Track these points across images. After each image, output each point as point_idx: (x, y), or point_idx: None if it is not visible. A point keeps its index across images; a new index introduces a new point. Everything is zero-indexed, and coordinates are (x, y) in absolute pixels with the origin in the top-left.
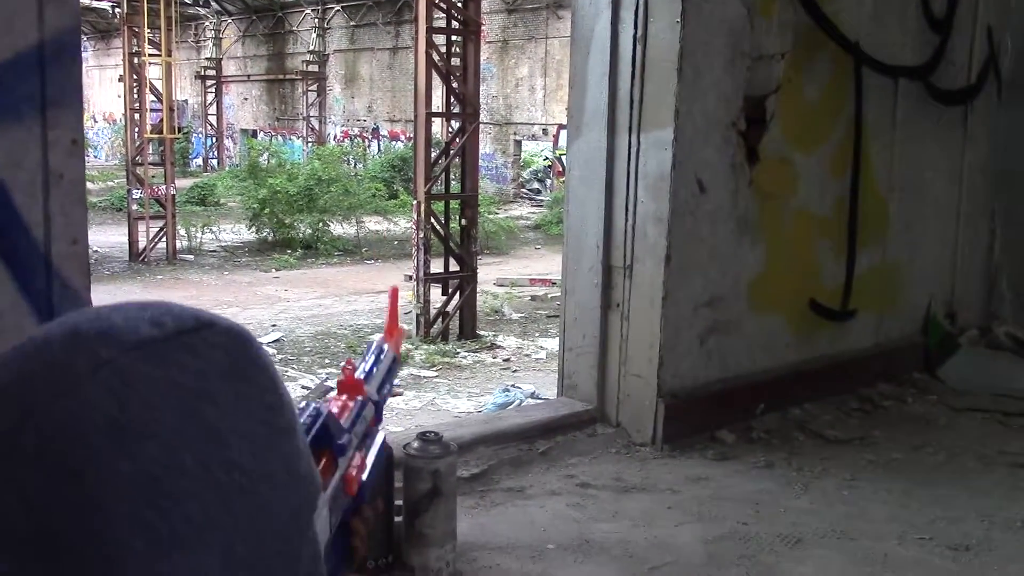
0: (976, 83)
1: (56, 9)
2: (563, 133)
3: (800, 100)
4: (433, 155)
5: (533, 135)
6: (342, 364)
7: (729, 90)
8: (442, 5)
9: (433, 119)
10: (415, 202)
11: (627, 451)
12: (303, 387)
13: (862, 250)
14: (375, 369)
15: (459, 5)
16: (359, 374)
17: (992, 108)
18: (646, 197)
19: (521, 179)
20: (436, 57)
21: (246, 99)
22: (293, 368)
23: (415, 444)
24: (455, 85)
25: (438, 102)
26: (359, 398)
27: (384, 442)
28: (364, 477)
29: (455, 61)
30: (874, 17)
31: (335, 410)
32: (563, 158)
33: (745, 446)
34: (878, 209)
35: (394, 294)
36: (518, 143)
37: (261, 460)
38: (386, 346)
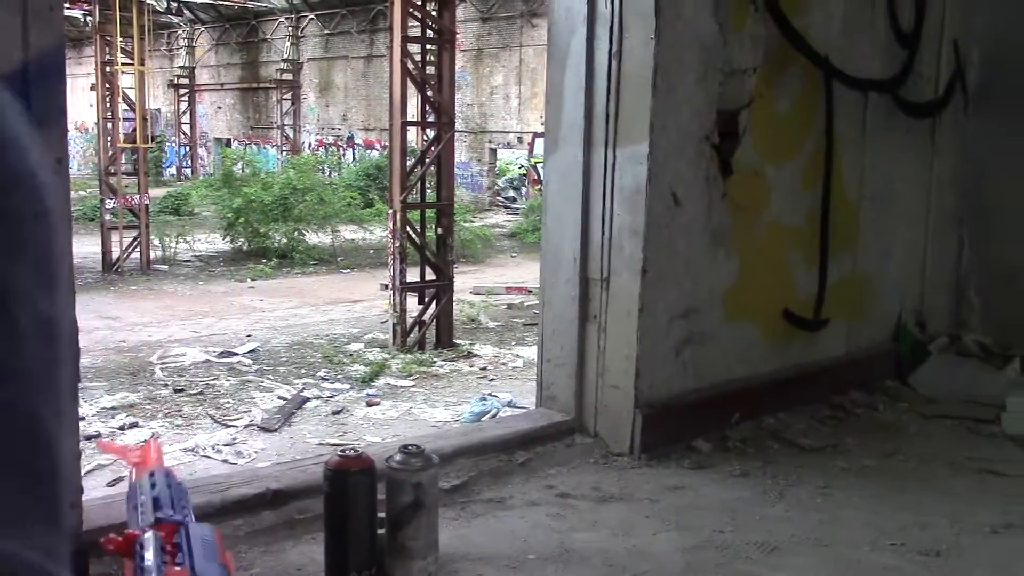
0: (944, 96)
1: (40, 30)
2: (538, 141)
3: (772, 113)
4: (409, 164)
5: (508, 143)
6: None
7: (702, 104)
8: (417, 14)
9: (408, 128)
10: (391, 211)
11: (605, 461)
12: (279, 397)
13: (834, 260)
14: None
15: (434, 14)
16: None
17: (959, 120)
18: (622, 210)
19: (496, 187)
20: (411, 66)
21: (219, 108)
22: (269, 379)
23: (397, 457)
24: (430, 94)
25: (413, 111)
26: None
27: (364, 455)
28: None
29: (430, 70)
30: (843, 32)
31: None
32: (538, 166)
33: (721, 455)
34: (849, 220)
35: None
36: (493, 151)
37: None
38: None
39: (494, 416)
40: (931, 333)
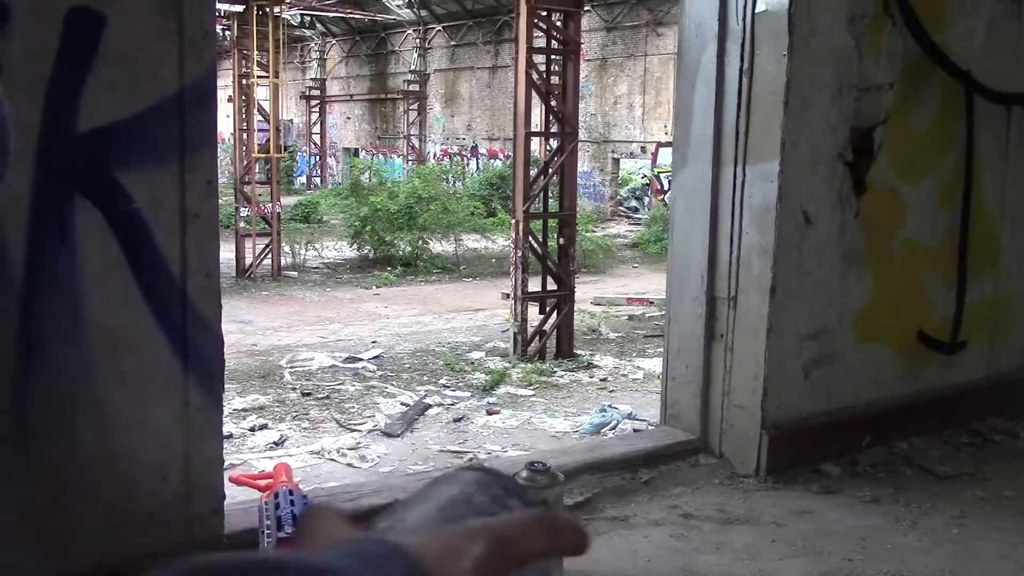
0: None
1: (195, 59)
2: (662, 151)
3: (908, 130)
4: (532, 174)
5: (631, 153)
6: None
7: (836, 121)
8: (542, 25)
9: (532, 138)
10: (513, 221)
11: (730, 482)
12: (402, 403)
13: (973, 281)
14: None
15: (559, 25)
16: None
17: None
18: (751, 229)
19: (619, 197)
20: (536, 77)
21: (348, 118)
22: (393, 385)
23: (523, 474)
24: (554, 104)
25: (537, 120)
26: None
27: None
28: None
29: (554, 79)
30: (986, 45)
31: None
32: (661, 176)
33: (850, 480)
34: (990, 239)
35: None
36: (616, 161)
37: None
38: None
39: (614, 428)
40: None
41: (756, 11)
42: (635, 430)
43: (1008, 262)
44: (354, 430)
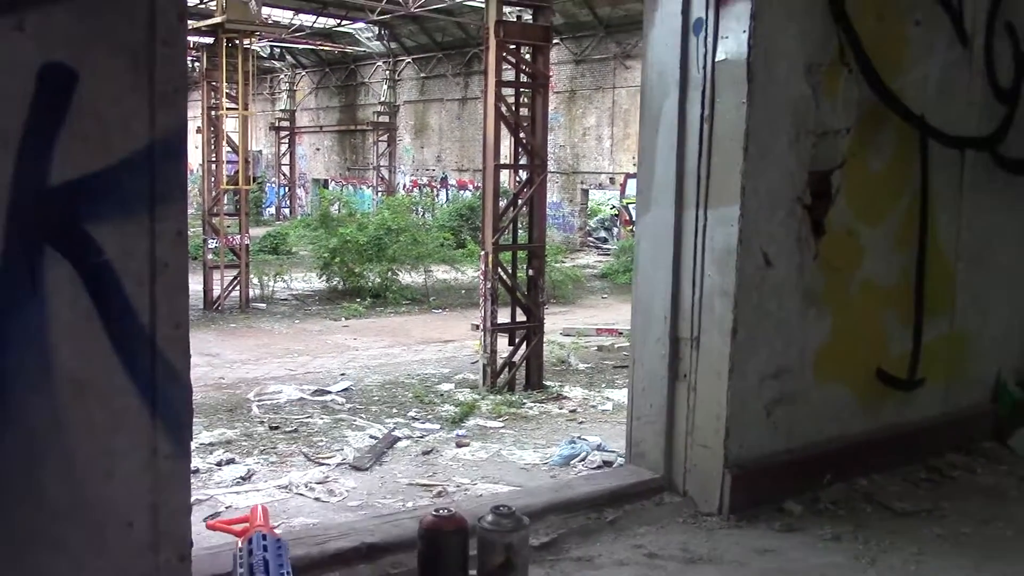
0: None
1: (166, 113)
2: (630, 182)
3: (865, 173)
4: (501, 205)
5: (600, 184)
6: None
7: (794, 166)
8: (511, 59)
9: (501, 170)
10: (483, 253)
11: (694, 521)
12: (371, 436)
13: (929, 319)
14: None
15: (528, 58)
16: None
17: None
18: (713, 271)
19: (588, 228)
20: (505, 110)
21: (318, 149)
22: (361, 417)
23: (489, 518)
24: (523, 137)
25: (506, 151)
26: None
27: (456, 516)
28: None
29: (523, 111)
30: (940, 90)
31: None
32: (630, 207)
33: (812, 517)
34: (945, 278)
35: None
36: (585, 192)
37: None
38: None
39: (583, 459)
40: None
41: (716, 60)
42: (604, 462)
43: (964, 301)
44: (322, 464)
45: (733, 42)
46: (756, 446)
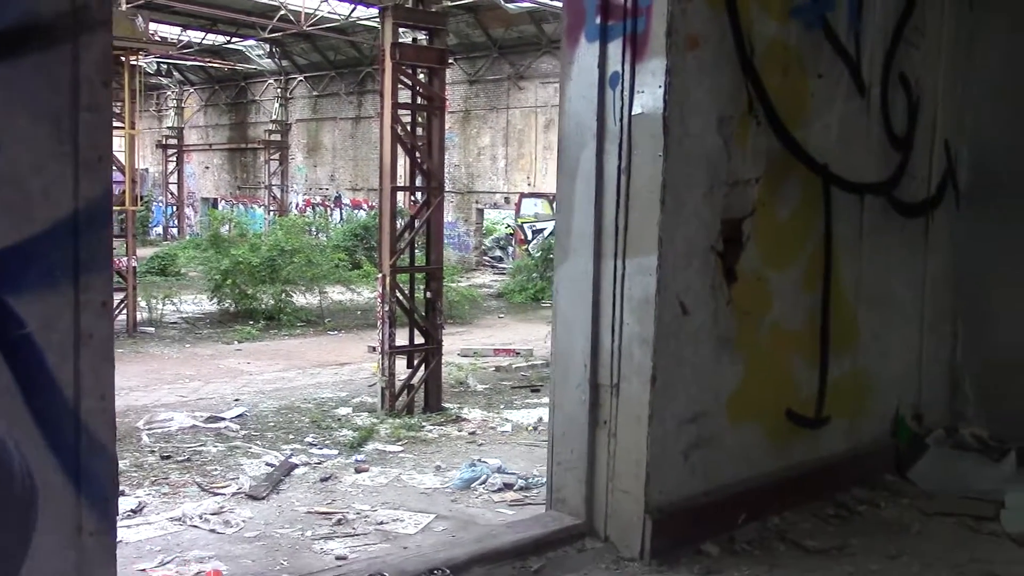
0: (936, 195)
1: (90, 180)
2: (525, 201)
3: (773, 220)
4: (398, 226)
5: (495, 203)
6: None
7: (708, 216)
8: (407, 81)
9: (398, 192)
10: (380, 275)
11: (616, 566)
12: (267, 464)
13: (834, 359)
14: None
15: (423, 79)
16: None
17: (951, 218)
18: (632, 320)
19: (483, 247)
20: (401, 131)
21: (207, 168)
22: (257, 444)
23: None
24: (419, 158)
25: (402, 171)
26: None
27: None
28: None
29: (419, 130)
30: (840, 139)
31: None
32: (525, 226)
33: (729, 559)
34: (848, 319)
35: None
36: (480, 211)
37: None
38: None
39: (483, 482)
40: (928, 426)
41: (633, 113)
42: (505, 484)
43: (864, 340)
44: (217, 493)
45: (649, 96)
46: (675, 490)
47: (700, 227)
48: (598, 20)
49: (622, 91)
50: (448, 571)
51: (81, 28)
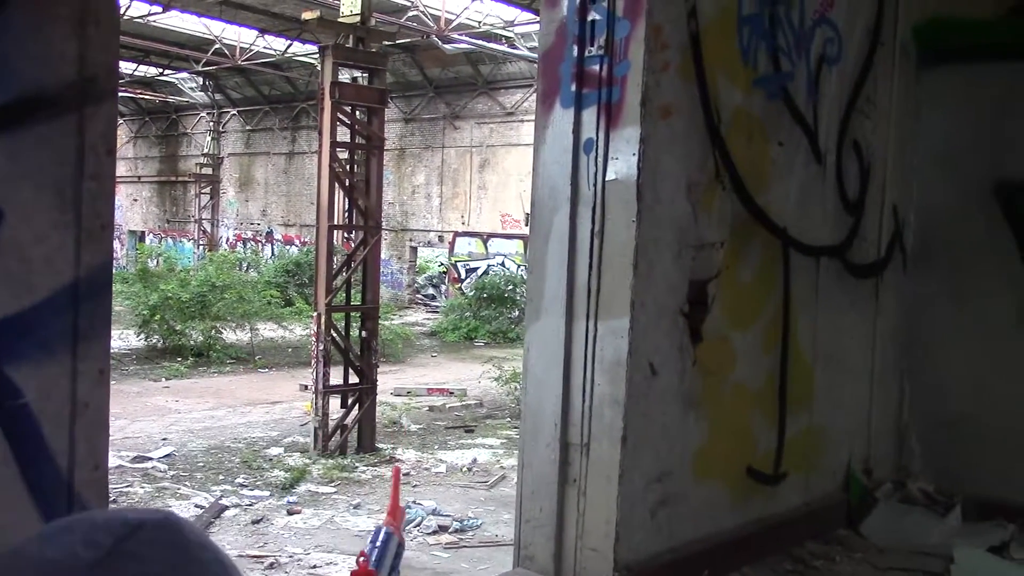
0: (885, 257)
1: (92, 250)
2: (459, 240)
3: (736, 282)
4: (334, 265)
5: (429, 241)
6: (358, 557)
7: (676, 279)
8: (346, 120)
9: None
10: (315, 313)
11: None
12: (196, 506)
13: (791, 417)
14: (384, 558)
15: (362, 119)
16: (372, 565)
17: (899, 279)
18: (603, 380)
19: (416, 285)
20: (339, 169)
21: (136, 200)
22: (186, 486)
23: None
24: (357, 197)
25: (337, 209)
26: None
27: None
28: None
29: (356, 168)
30: (799, 204)
31: None
32: (458, 264)
33: None
34: (805, 377)
35: (396, 474)
36: (414, 249)
37: None
38: (390, 531)
39: (419, 525)
40: (877, 480)
41: (607, 179)
42: (440, 526)
43: (819, 398)
44: None
45: (623, 163)
46: (642, 548)
47: (669, 290)
48: (573, 87)
49: (596, 157)
50: None
51: (87, 99)
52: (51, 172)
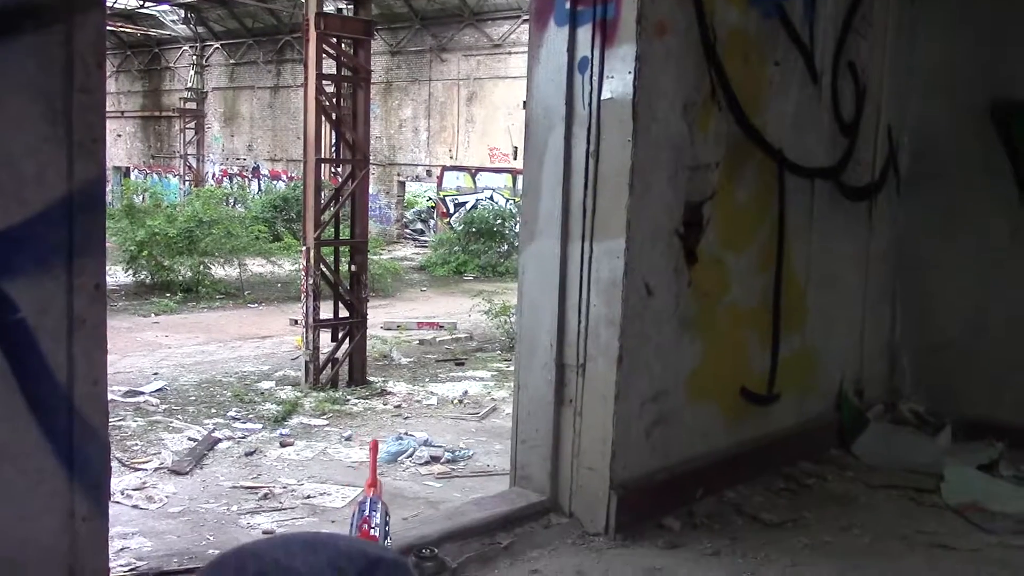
0: (879, 179)
1: (84, 163)
2: (447, 175)
3: (732, 204)
4: (322, 199)
5: (417, 176)
6: (360, 523)
7: (672, 200)
8: (332, 52)
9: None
10: (304, 248)
11: (582, 541)
12: (190, 439)
13: (785, 338)
14: (387, 527)
15: (348, 51)
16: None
17: (892, 202)
18: (599, 301)
19: (405, 220)
20: (325, 102)
21: (120, 136)
22: (178, 419)
23: (411, 559)
24: (344, 131)
25: (323, 143)
26: None
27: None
28: None
29: (343, 102)
30: (794, 126)
31: None
32: (447, 199)
33: (690, 532)
34: (798, 299)
35: (374, 447)
36: (402, 184)
37: None
38: (377, 499)
39: (411, 455)
40: (868, 401)
41: (602, 98)
42: (432, 457)
43: (812, 320)
44: (139, 469)
45: (619, 82)
46: (637, 466)
47: (664, 210)
48: (568, 5)
49: (591, 76)
50: (435, 549)
51: (74, 7)
52: (41, 83)
